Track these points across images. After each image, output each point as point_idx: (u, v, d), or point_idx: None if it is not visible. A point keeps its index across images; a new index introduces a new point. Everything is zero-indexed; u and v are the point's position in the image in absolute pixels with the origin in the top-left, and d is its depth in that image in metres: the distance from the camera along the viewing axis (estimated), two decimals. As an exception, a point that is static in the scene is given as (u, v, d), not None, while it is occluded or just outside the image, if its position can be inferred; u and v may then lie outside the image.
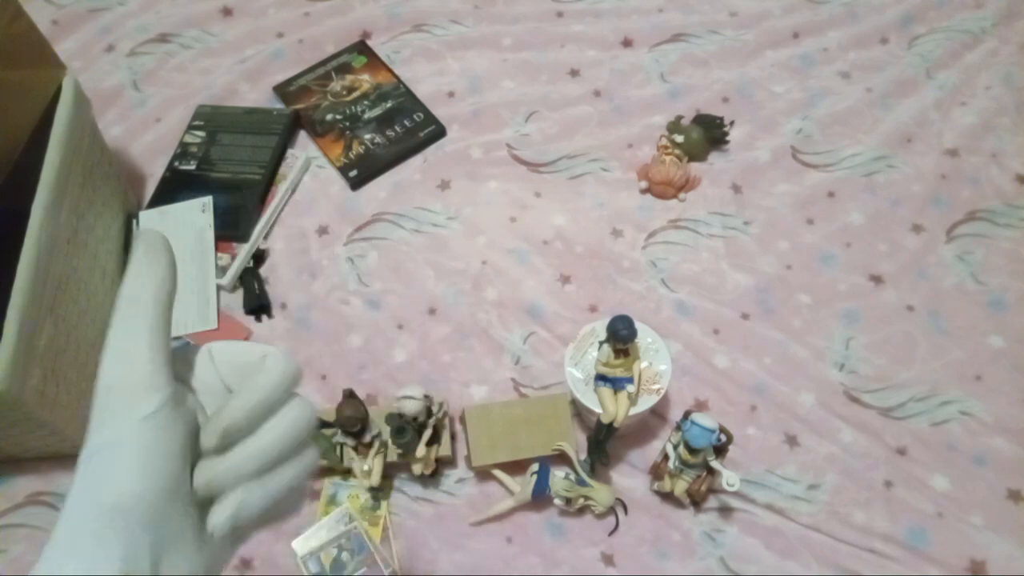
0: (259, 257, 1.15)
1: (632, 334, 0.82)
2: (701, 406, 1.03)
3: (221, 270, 1.11)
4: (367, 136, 1.26)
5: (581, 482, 0.92)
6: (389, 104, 1.29)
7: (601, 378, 0.87)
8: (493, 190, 1.21)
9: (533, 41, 1.37)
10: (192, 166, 1.21)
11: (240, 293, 1.12)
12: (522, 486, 0.93)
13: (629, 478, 0.98)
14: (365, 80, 1.32)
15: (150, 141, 1.27)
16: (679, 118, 1.25)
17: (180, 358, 0.39)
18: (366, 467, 0.91)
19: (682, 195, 1.19)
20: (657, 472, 0.93)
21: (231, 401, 0.36)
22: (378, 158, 1.23)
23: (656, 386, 0.90)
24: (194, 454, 0.36)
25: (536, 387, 1.05)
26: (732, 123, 1.23)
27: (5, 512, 0.96)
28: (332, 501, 0.97)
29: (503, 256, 1.15)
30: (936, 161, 1.23)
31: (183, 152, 1.23)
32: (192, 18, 1.41)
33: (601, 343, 0.86)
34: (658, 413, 1.01)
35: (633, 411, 0.87)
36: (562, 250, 1.15)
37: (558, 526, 0.95)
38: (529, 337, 1.08)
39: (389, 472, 0.97)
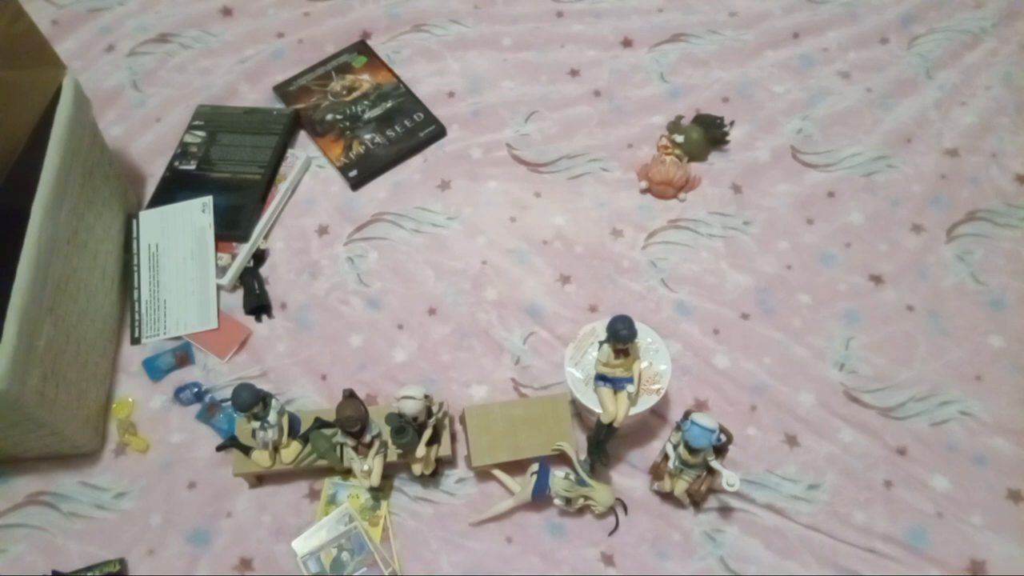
0: (259, 257, 1.15)
1: (632, 334, 0.82)
2: (701, 406, 1.03)
3: (221, 270, 1.11)
4: (367, 136, 1.26)
5: (581, 482, 0.92)
6: (389, 104, 1.29)
7: (601, 378, 0.87)
8: (493, 190, 1.21)
9: (533, 41, 1.37)
10: (192, 166, 1.21)
11: (240, 293, 1.12)
12: (522, 486, 0.93)
13: (629, 478, 0.98)
14: (365, 80, 1.32)
15: (150, 141, 1.27)
16: (679, 118, 1.25)
17: None
18: (366, 467, 0.91)
19: (682, 195, 1.19)
20: (657, 472, 0.93)
21: None
22: (378, 158, 1.23)
23: (656, 386, 0.90)
24: None
25: (536, 387, 1.05)
26: (732, 123, 1.23)
27: (5, 512, 0.96)
28: (332, 501, 0.97)
29: (503, 256, 1.15)
30: (936, 161, 1.23)
31: (183, 152, 1.23)
32: (192, 18, 1.41)
33: (601, 343, 0.86)
34: (658, 413, 1.01)
35: (633, 411, 0.87)
36: (562, 250, 1.15)
37: (558, 526, 0.95)
38: (529, 337, 1.08)
39: (389, 472, 0.97)
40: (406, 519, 0.96)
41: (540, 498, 0.92)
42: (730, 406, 1.03)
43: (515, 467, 0.96)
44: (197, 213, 1.15)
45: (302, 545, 0.94)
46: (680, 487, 0.90)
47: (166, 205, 1.16)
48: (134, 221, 1.14)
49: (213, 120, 1.26)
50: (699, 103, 1.29)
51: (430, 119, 1.27)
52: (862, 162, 1.23)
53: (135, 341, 1.08)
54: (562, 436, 0.95)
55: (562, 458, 0.95)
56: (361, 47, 1.37)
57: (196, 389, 1.03)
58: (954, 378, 1.04)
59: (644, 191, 1.20)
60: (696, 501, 0.95)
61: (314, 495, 0.97)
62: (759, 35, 1.37)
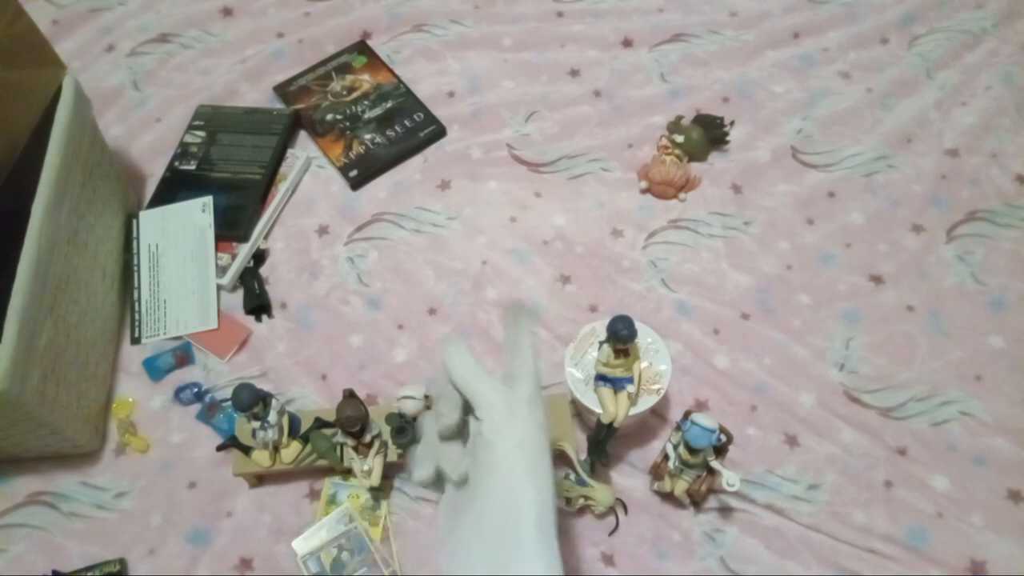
0: (259, 257, 1.15)
1: (632, 334, 0.82)
2: (701, 406, 1.03)
3: (221, 270, 1.11)
4: (367, 136, 1.26)
5: (581, 482, 0.92)
6: (389, 104, 1.29)
7: (601, 378, 0.87)
8: (493, 190, 1.21)
9: (533, 41, 1.37)
10: (192, 166, 1.21)
11: (240, 293, 1.12)
12: (522, 486, 0.93)
13: (629, 478, 0.98)
14: (365, 80, 1.32)
15: (150, 141, 1.27)
16: (679, 118, 1.25)
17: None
18: (366, 467, 0.91)
19: (682, 195, 1.19)
20: (657, 472, 0.93)
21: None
22: (378, 158, 1.23)
23: (656, 386, 0.90)
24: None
25: (536, 387, 1.04)
26: (732, 123, 1.23)
27: (5, 512, 0.96)
28: (332, 501, 0.97)
29: (503, 256, 1.15)
30: (936, 161, 1.23)
31: (183, 152, 1.23)
32: (192, 18, 1.41)
33: (601, 343, 0.86)
34: (658, 413, 1.01)
35: (633, 411, 0.87)
36: (562, 250, 1.15)
37: (558, 526, 0.95)
38: (529, 337, 1.08)
39: (389, 472, 0.97)
40: (406, 519, 0.96)
41: (540, 498, 0.92)
42: (730, 406, 1.03)
43: (515, 467, 0.96)
44: (197, 213, 1.15)
45: (302, 545, 0.94)
46: (680, 487, 0.90)
47: (166, 205, 1.16)
48: (134, 221, 1.15)
49: (213, 120, 1.26)
50: (699, 103, 1.29)
51: (430, 119, 1.27)
52: (862, 162, 1.23)
53: (135, 341, 1.08)
54: (562, 436, 0.94)
55: (562, 458, 0.95)
56: (361, 47, 1.37)
57: (196, 389, 1.04)
58: (954, 378, 1.04)
59: (644, 191, 1.20)
60: (696, 501, 0.95)
61: (314, 495, 0.97)
62: (759, 35, 1.37)
